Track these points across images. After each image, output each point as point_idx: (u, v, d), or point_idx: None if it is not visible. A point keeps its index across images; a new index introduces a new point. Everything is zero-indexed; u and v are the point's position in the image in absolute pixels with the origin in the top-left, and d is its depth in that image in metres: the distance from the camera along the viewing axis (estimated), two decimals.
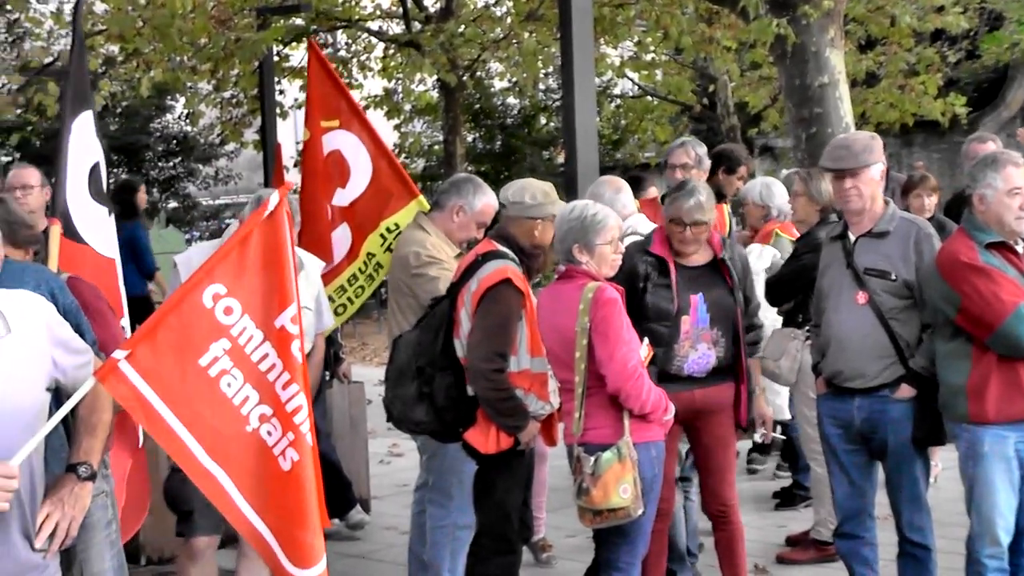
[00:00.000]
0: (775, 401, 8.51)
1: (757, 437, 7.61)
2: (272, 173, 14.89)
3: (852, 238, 6.60)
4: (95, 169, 6.96)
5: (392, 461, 11.45)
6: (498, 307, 6.36)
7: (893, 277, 6.46)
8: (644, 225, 7.95)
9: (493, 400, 6.36)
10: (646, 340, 6.46)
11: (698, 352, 6.85)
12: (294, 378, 4.31)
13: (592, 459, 6.16)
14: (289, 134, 21.05)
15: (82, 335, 4.65)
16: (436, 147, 26.54)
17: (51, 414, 4.36)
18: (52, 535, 4.29)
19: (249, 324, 4.31)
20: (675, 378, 6.79)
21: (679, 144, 9.07)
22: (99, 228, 6.87)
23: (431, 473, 7.26)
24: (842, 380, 6.59)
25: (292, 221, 4.34)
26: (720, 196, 9.87)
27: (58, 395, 4.49)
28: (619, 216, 6.75)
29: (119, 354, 4.21)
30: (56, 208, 6.79)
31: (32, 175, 7.82)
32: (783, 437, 9.94)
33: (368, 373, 13.21)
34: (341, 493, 8.90)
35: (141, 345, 4.24)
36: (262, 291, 4.33)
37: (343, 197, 8.09)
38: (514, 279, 6.36)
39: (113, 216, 7.06)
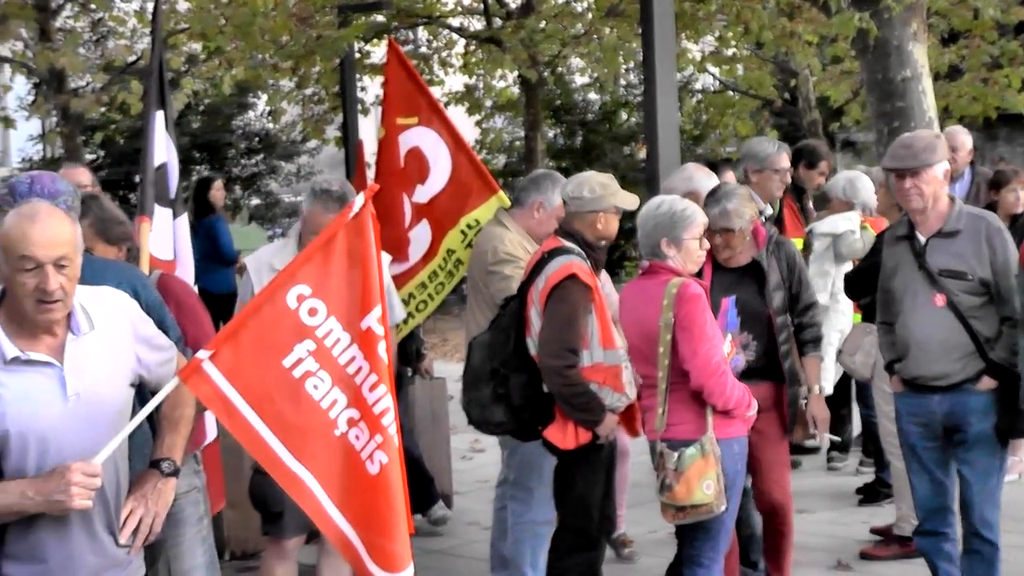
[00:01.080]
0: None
1: (808, 441, 7.55)
2: (354, 170, 14.96)
3: (922, 239, 6.53)
4: (160, 169, 7.01)
5: (474, 457, 11.47)
6: (565, 303, 6.36)
7: (969, 276, 6.39)
8: None
9: (567, 396, 6.36)
10: (728, 336, 6.44)
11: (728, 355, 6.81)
12: (381, 380, 4.31)
13: (675, 455, 6.15)
14: (370, 131, 21.06)
15: (166, 332, 4.69)
16: (517, 143, 26.50)
17: (134, 411, 4.41)
18: (136, 531, 4.34)
19: (335, 326, 4.31)
20: None
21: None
22: (158, 230, 6.93)
23: (512, 469, 7.27)
24: (924, 382, 6.54)
25: (376, 220, 4.34)
26: (800, 191, 9.82)
27: (141, 391, 4.54)
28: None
29: (203, 354, 4.24)
30: (145, 206, 6.85)
31: (84, 174, 7.88)
32: (838, 438, 9.91)
33: (449, 369, 13.20)
34: (424, 489, 8.92)
35: (225, 345, 4.26)
36: (348, 292, 4.33)
37: (422, 194, 8.10)
38: (580, 274, 6.35)
39: (180, 218, 7.09)
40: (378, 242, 4.36)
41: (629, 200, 6.60)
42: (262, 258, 6.55)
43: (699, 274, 6.70)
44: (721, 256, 6.90)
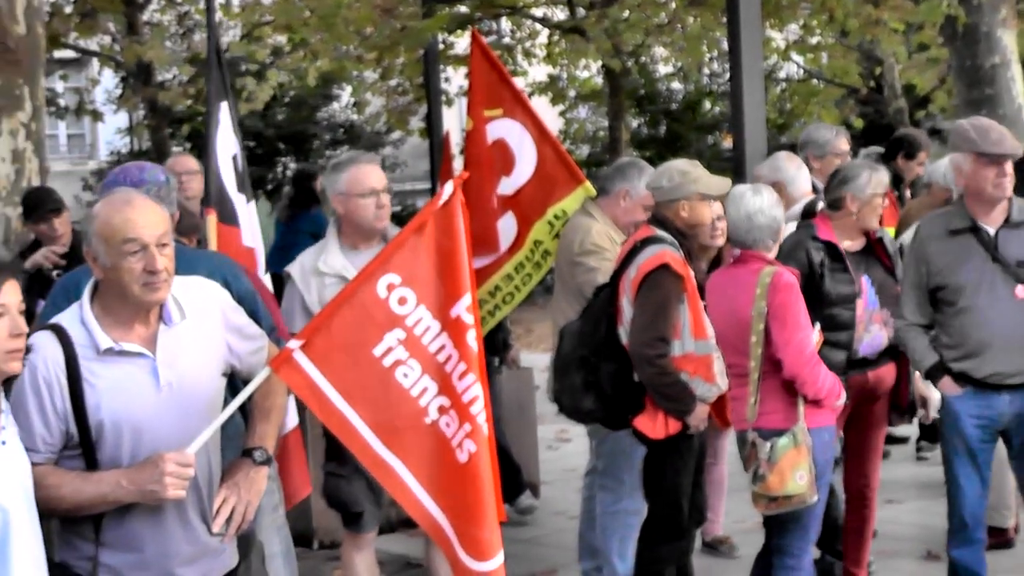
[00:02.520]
0: None
1: (916, 419, 7.49)
2: (439, 161, 15.00)
3: (991, 230, 6.42)
4: (235, 159, 7.08)
5: (560, 447, 11.48)
6: (657, 292, 6.31)
7: None
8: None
9: (658, 385, 6.32)
10: (818, 325, 6.40)
11: (871, 334, 6.79)
12: (471, 368, 4.31)
13: (768, 445, 6.13)
14: (454, 122, 21.16)
15: (258, 321, 4.72)
16: (600, 133, 26.43)
17: (225, 400, 4.45)
18: (229, 519, 4.37)
19: (425, 314, 4.32)
20: (850, 361, 6.73)
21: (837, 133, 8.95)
22: (244, 217, 6.99)
23: (601, 459, 7.26)
24: (998, 380, 6.42)
25: (466, 209, 4.35)
26: (898, 180, 9.74)
27: (232, 381, 4.58)
28: (798, 194, 6.70)
29: (294, 343, 4.26)
30: (211, 198, 6.92)
31: (193, 162, 7.97)
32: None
33: (534, 359, 13.23)
34: (511, 478, 8.94)
35: (316, 335, 4.28)
36: (437, 281, 4.33)
37: (508, 186, 8.08)
38: (672, 263, 6.30)
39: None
40: (467, 230, 4.36)
41: (715, 185, 6.50)
42: (306, 263, 6.48)
43: (837, 256, 6.72)
44: (871, 224, 6.89)
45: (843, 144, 8.71)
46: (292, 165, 26.62)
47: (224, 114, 7.06)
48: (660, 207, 6.51)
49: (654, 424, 6.36)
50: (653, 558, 6.56)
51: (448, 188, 4.37)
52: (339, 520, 6.65)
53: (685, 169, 6.55)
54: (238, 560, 4.60)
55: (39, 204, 8.19)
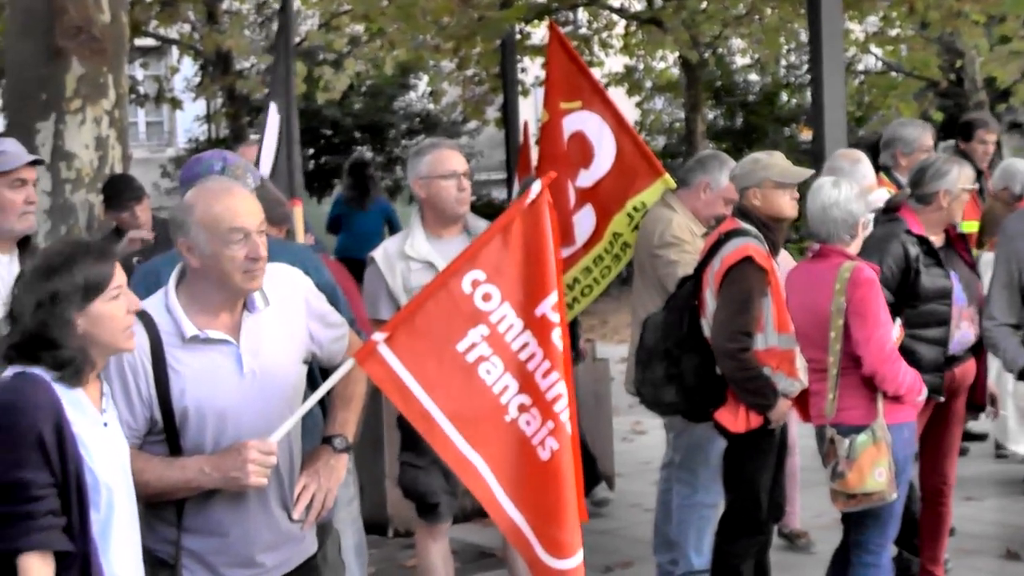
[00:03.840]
0: None
1: (984, 415, 7.43)
2: (514, 151, 15.00)
3: None
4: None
5: (635, 439, 11.47)
6: (740, 286, 6.26)
7: None
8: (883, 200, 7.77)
9: (740, 379, 6.28)
10: (898, 321, 6.36)
11: (961, 330, 6.75)
12: (555, 367, 4.30)
13: (847, 442, 6.09)
14: (530, 112, 21.16)
15: (339, 312, 4.75)
16: (677, 124, 26.39)
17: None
18: (309, 506, 4.40)
19: (509, 311, 4.32)
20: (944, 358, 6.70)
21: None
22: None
23: (678, 451, 7.25)
24: None
25: (553, 207, 4.35)
26: (978, 173, 9.62)
27: (311, 369, 4.61)
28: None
29: (378, 336, 4.28)
30: (293, 189, 6.93)
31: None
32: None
33: (610, 350, 13.21)
34: (587, 470, 8.89)
35: (400, 328, 4.29)
36: (523, 279, 4.33)
37: (586, 178, 8.06)
38: (755, 256, 6.25)
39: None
40: (555, 229, 4.36)
41: (791, 173, 6.44)
42: (390, 248, 6.51)
43: (931, 250, 6.67)
44: (957, 218, 6.86)
45: (929, 140, 8.63)
46: (368, 154, 26.74)
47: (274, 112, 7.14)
48: (741, 197, 6.48)
49: (735, 418, 6.33)
50: (730, 552, 6.53)
51: (536, 186, 4.37)
52: (414, 509, 6.67)
53: (759, 156, 6.51)
54: (317, 547, 4.63)
55: (120, 192, 8.24)
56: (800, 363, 6.34)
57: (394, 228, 13.67)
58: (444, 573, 6.58)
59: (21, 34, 8.48)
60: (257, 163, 7.28)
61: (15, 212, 5.34)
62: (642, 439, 11.39)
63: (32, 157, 5.48)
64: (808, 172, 6.52)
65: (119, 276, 3.82)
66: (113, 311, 3.78)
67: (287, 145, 7.17)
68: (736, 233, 6.33)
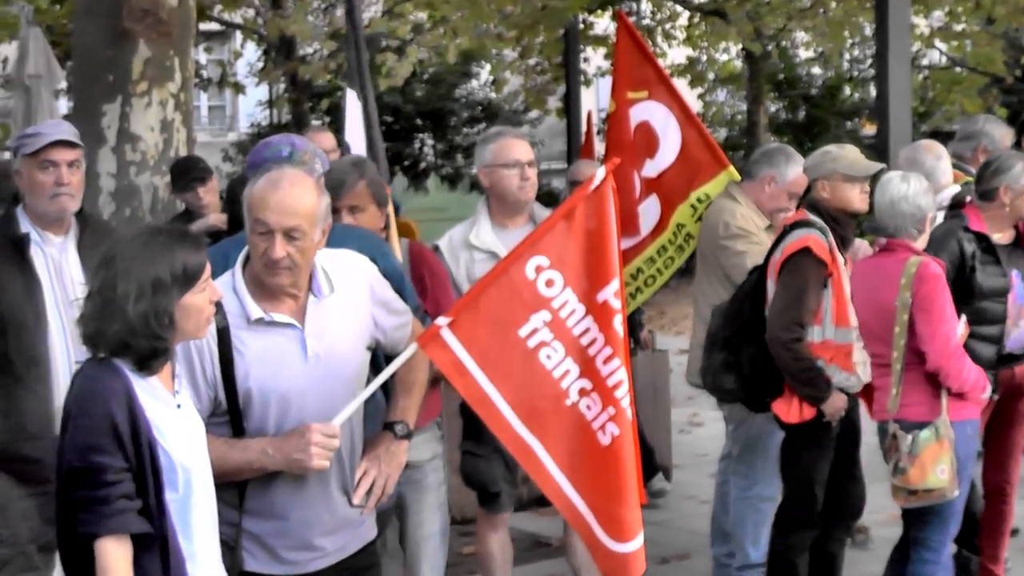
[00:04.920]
0: None
1: None
2: (576, 141, 15.00)
3: None
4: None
5: (692, 431, 11.45)
6: (796, 276, 6.24)
7: None
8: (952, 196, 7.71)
9: (793, 370, 6.25)
10: (963, 318, 6.31)
11: (1020, 328, 6.69)
12: (616, 353, 4.31)
13: (909, 437, 6.05)
14: (591, 102, 21.13)
15: (404, 299, 4.75)
16: (739, 117, 26.32)
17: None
18: (369, 492, 4.41)
19: (571, 297, 4.32)
20: (998, 356, 6.64)
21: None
22: None
23: (736, 444, 7.23)
24: None
25: (617, 194, 4.34)
26: None
27: (375, 356, 4.61)
28: (937, 185, 6.60)
29: (441, 321, 4.29)
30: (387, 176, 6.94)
31: (329, 139, 8.01)
32: None
33: (668, 342, 13.19)
34: (644, 460, 8.91)
35: (463, 313, 4.30)
36: (585, 265, 4.33)
37: (651, 168, 8.04)
38: (814, 248, 6.21)
39: None
40: (618, 216, 4.36)
41: (861, 166, 6.41)
42: (455, 237, 6.49)
43: (989, 248, 6.63)
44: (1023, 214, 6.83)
45: (1009, 142, 8.55)
46: (430, 141, 26.79)
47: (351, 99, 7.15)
48: (811, 189, 6.46)
49: (789, 408, 6.31)
50: (784, 544, 6.51)
51: (600, 173, 4.36)
52: (472, 497, 6.68)
53: (830, 149, 6.49)
54: (376, 533, 4.64)
55: (184, 172, 8.28)
56: (860, 357, 6.29)
57: None
58: (503, 561, 6.58)
59: (89, 16, 8.53)
60: (342, 151, 7.29)
61: (45, 193, 5.35)
62: (699, 431, 11.38)
63: (56, 137, 5.48)
64: (878, 165, 6.48)
65: (208, 266, 3.83)
66: (200, 303, 3.78)
67: (368, 130, 7.17)
68: (800, 224, 6.30)
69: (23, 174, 5.42)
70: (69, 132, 5.61)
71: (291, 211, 4.14)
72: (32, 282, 5.25)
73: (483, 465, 6.40)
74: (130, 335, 3.66)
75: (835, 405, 6.29)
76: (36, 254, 5.34)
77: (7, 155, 7.43)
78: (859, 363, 6.30)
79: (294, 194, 4.17)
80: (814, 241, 6.22)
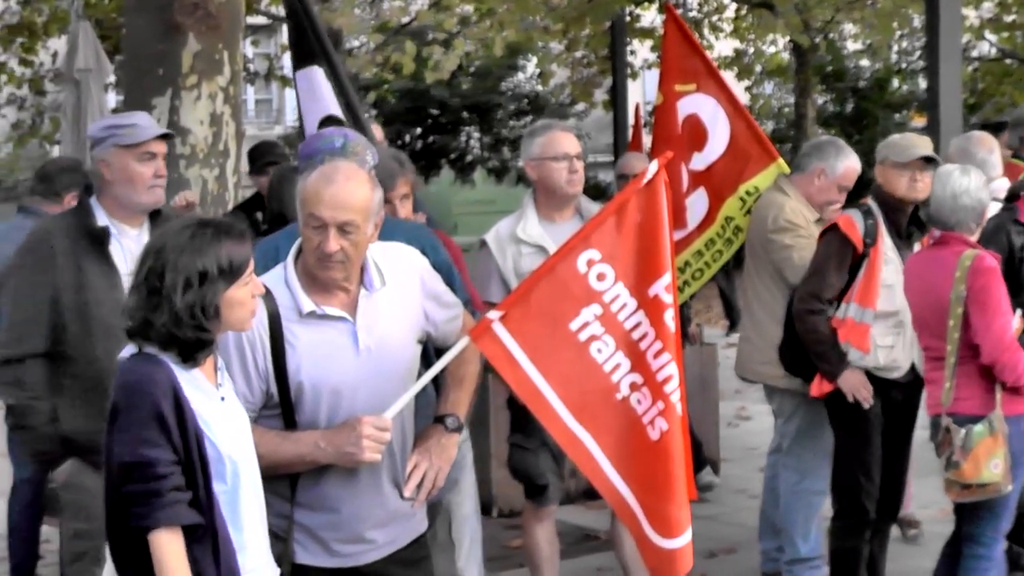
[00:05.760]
0: None
1: None
2: (622, 133, 14.95)
3: None
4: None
5: (740, 424, 11.42)
6: (821, 251, 6.48)
7: None
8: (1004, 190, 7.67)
9: (807, 341, 6.46)
10: (1019, 312, 6.26)
11: None
12: (666, 347, 4.31)
13: (963, 432, 6.00)
14: (638, 94, 21.07)
15: (454, 292, 4.75)
16: (786, 109, 26.22)
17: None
18: (420, 485, 4.41)
19: (622, 291, 4.33)
20: None
21: None
22: None
23: (785, 437, 7.21)
24: None
25: (669, 188, 4.33)
26: None
27: (426, 349, 4.62)
28: (988, 178, 6.56)
29: (493, 315, 4.30)
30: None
31: (376, 130, 8.01)
32: None
33: (716, 335, 13.17)
34: (693, 454, 8.87)
35: (515, 306, 4.31)
36: (637, 259, 4.34)
37: (699, 161, 8.01)
38: (842, 226, 6.38)
39: None
40: (670, 210, 4.35)
41: (908, 151, 6.46)
42: (502, 231, 6.49)
43: None
44: None
45: None
46: (476, 135, 26.77)
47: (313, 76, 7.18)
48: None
49: (815, 381, 6.50)
50: (836, 535, 6.58)
51: (652, 167, 4.36)
52: (518, 489, 6.68)
53: (893, 136, 6.69)
54: (427, 526, 4.64)
55: (260, 156, 8.38)
56: (888, 342, 6.33)
57: None
58: (550, 555, 6.58)
59: (139, 10, 8.55)
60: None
61: (144, 185, 5.35)
62: (747, 424, 11.34)
63: (161, 131, 5.50)
64: (922, 151, 6.47)
65: (252, 260, 3.83)
66: (244, 296, 3.79)
67: (350, 108, 7.16)
68: (850, 207, 6.40)
69: (114, 164, 5.34)
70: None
71: (345, 205, 4.15)
72: (113, 275, 5.24)
73: (531, 458, 6.40)
74: (176, 326, 3.67)
75: (850, 382, 6.39)
76: (115, 247, 5.34)
77: (56, 149, 7.47)
78: (883, 346, 6.32)
79: (348, 188, 4.18)
80: (845, 220, 6.41)
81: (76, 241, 5.24)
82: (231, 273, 3.73)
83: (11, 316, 5.28)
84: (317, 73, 7.40)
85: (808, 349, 6.47)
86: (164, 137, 5.49)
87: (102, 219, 5.35)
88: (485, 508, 8.60)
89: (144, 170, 5.35)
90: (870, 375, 6.48)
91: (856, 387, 6.43)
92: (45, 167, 7.45)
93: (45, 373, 5.20)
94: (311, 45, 7.37)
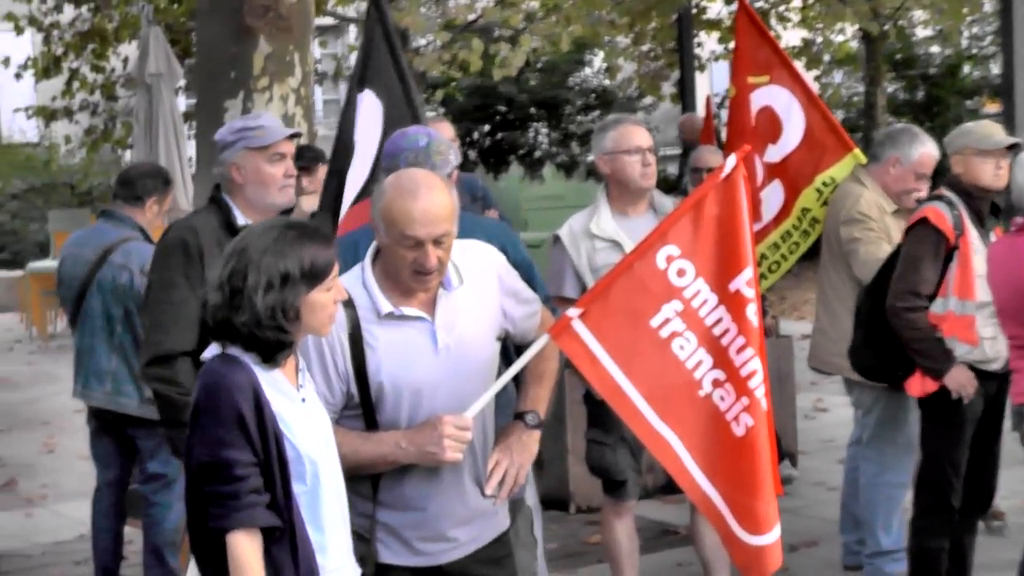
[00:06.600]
0: None
1: None
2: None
3: None
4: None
5: (816, 416, 11.34)
6: (912, 247, 6.28)
7: None
8: None
9: (908, 339, 6.26)
10: None
11: None
12: (749, 342, 4.27)
13: None
14: (706, 87, 21.00)
15: (533, 288, 4.74)
16: (856, 98, 26.03)
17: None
18: (501, 482, 4.40)
19: (703, 287, 4.30)
20: None
21: None
22: None
23: (865, 429, 7.15)
24: None
25: (748, 182, 4.30)
26: None
27: (504, 346, 4.61)
28: None
29: (573, 312, 4.28)
30: None
31: (448, 128, 7.98)
32: None
33: (790, 327, 13.08)
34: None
35: (594, 304, 4.30)
36: (717, 254, 4.30)
37: (774, 153, 7.95)
38: (932, 218, 6.21)
39: None
40: (750, 204, 4.32)
41: (993, 140, 6.36)
42: (575, 226, 6.45)
43: None
44: None
45: None
46: (544, 130, 26.77)
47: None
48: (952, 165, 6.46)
49: (914, 381, 6.33)
50: (920, 530, 6.48)
51: (730, 161, 4.33)
52: (596, 485, 6.67)
53: (967, 124, 6.54)
54: (509, 523, 4.63)
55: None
56: (991, 333, 6.21)
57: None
58: (629, 550, 6.56)
59: (211, 14, 8.62)
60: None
61: (276, 185, 5.35)
62: (824, 417, 11.26)
63: (290, 131, 5.51)
64: (1011, 139, 6.39)
65: (336, 266, 3.84)
66: (326, 301, 3.79)
67: (410, 104, 7.05)
68: (931, 199, 6.28)
69: (246, 167, 5.33)
70: None
71: (437, 219, 4.13)
72: None
73: (609, 453, 6.39)
74: (256, 326, 3.68)
75: (957, 379, 6.22)
76: None
77: (128, 154, 7.49)
78: (988, 338, 6.22)
79: (435, 200, 4.14)
80: (933, 212, 6.24)
81: (220, 241, 5.23)
82: (313, 276, 3.73)
83: (161, 313, 5.24)
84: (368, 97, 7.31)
85: (909, 347, 6.27)
86: (292, 137, 5.50)
87: (241, 219, 5.35)
88: (562, 504, 8.65)
89: (275, 171, 5.34)
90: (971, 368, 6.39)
91: (963, 384, 6.26)
92: (127, 172, 7.49)
93: (193, 371, 5.17)
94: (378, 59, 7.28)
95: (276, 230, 3.77)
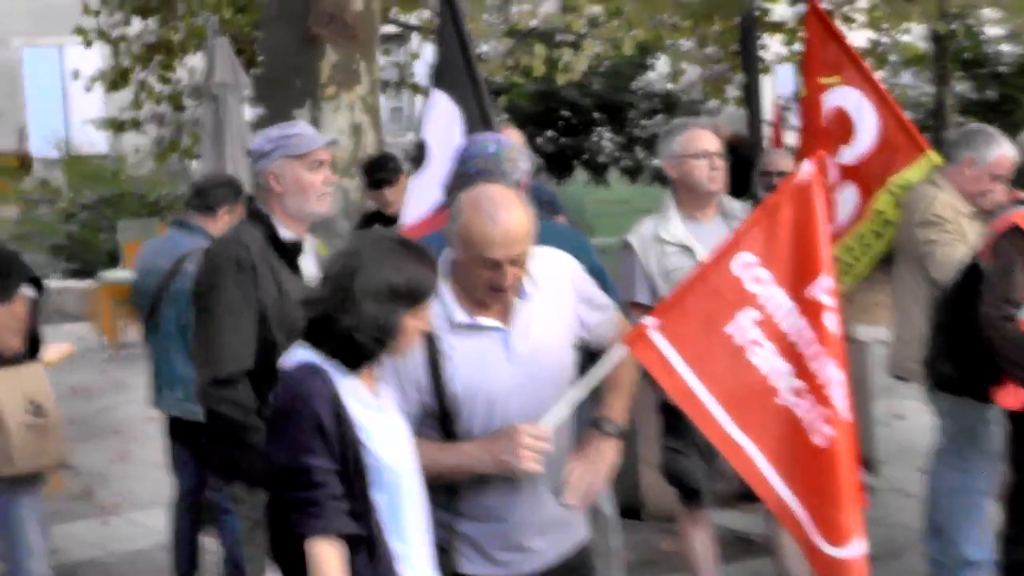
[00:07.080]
0: None
1: None
2: (757, 129, 14.79)
3: None
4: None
5: (893, 423, 11.21)
6: (1004, 254, 6.12)
7: None
8: None
9: (1000, 348, 6.10)
10: None
11: None
12: (829, 351, 4.20)
13: None
14: (771, 90, 20.90)
15: (608, 294, 4.70)
16: (924, 99, 25.82)
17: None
18: (578, 490, 4.35)
19: (780, 294, 4.24)
20: None
21: None
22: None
23: (947, 436, 7.05)
24: None
25: (824, 188, 4.24)
26: None
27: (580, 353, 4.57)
28: None
29: (648, 321, 4.24)
30: None
31: (515, 134, 7.95)
32: None
33: (860, 331, 12.94)
34: None
35: (669, 312, 4.26)
36: (793, 261, 4.25)
37: (848, 155, 7.88)
38: (1022, 223, 6.08)
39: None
40: (827, 209, 4.26)
41: None
42: (645, 232, 6.42)
43: None
44: None
45: None
46: (608, 134, 26.71)
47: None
48: None
49: (1008, 393, 6.16)
50: (1009, 539, 6.37)
51: (806, 166, 4.27)
52: (668, 493, 6.62)
53: None
54: (587, 533, 4.60)
55: (372, 171, 8.29)
56: None
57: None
58: (706, 559, 6.52)
59: (277, 23, 8.66)
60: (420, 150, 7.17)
61: (315, 193, 5.32)
62: (901, 423, 11.13)
63: (327, 139, 5.49)
64: None
65: (434, 294, 3.83)
66: (415, 327, 3.81)
67: (483, 108, 7.02)
68: (1014, 203, 6.17)
69: (285, 176, 5.28)
70: None
71: (515, 240, 4.10)
72: (304, 287, 5.22)
73: (684, 461, 6.35)
74: (358, 331, 3.69)
75: None
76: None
77: (194, 162, 7.53)
78: None
79: (514, 221, 4.11)
80: (1022, 217, 6.08)
81: (269, 254, 5.22)
82: (414, 298, 3.76)
83: (219, 332, 5.18)
84: (442, 98, 7.30)
85: (1004, 358, 6.10)
86: (327, 145, 5.47)
87: (283, 232, 5.32)
88: (635, 511, 8.59)
89: (314, 178, 5.31)
90: None
91: None
92: (200, 182, 7.52)
93: (252, 390, 5.15)
94: (453, 61, 7.26)
95: (391, 242, 3.79)
